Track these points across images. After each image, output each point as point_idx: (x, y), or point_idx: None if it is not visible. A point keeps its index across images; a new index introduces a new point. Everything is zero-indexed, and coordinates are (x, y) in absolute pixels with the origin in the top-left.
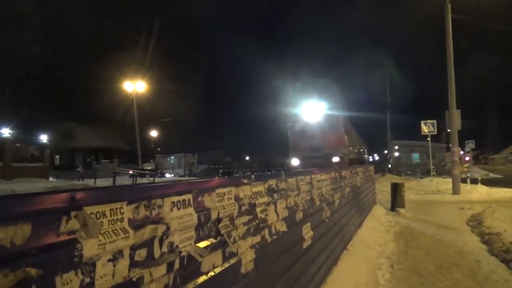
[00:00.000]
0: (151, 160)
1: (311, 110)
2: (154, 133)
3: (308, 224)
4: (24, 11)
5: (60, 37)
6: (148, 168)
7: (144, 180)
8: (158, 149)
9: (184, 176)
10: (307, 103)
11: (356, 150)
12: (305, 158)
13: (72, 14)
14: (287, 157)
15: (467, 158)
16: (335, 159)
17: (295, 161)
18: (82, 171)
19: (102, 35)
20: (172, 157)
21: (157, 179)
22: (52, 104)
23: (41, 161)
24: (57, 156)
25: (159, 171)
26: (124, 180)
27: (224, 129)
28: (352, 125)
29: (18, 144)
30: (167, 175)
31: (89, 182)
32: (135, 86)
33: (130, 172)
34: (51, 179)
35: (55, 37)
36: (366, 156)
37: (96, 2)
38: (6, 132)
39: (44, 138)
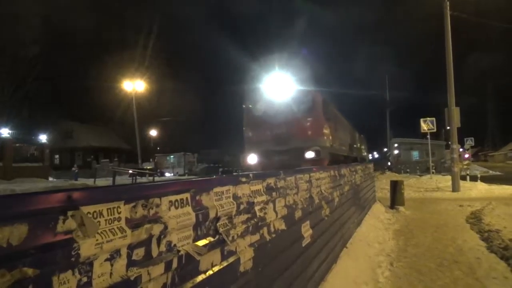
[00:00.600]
0: (151, 160)
1: (277, 84)
2: (153, 132)
3: (307, 222)
4: (24, 11)
5: (60, 37)
6: (148, 167)
7: (144, 180)
8: (158, 148)
9: (184, 175)
10: (272, 75)
11: (347, 145)
12: (266, 153)
13: (73, 14)
14: (243, 152)
15: (466, 156)
16: (309, 154)
17: (252, 159)
18: (76, 171)
19: (101, 34)
20: (171, 156)
21: (156, 178)
22: (52, 103)
23: (41, 161)
24: (57, 156)
25: (158, 170)
26: (124, 180)
27: (223, 127)
28: (343, 114)
29: (17, 144)
30: (167, 174)
31: (89, 181)
32: (135, 86)
33: (130, 171)
34: (51, 179)
35: (55, 37)
36: (365, 153)
37: (95, 2)
38: (6, 132)
39: (43, 138)
